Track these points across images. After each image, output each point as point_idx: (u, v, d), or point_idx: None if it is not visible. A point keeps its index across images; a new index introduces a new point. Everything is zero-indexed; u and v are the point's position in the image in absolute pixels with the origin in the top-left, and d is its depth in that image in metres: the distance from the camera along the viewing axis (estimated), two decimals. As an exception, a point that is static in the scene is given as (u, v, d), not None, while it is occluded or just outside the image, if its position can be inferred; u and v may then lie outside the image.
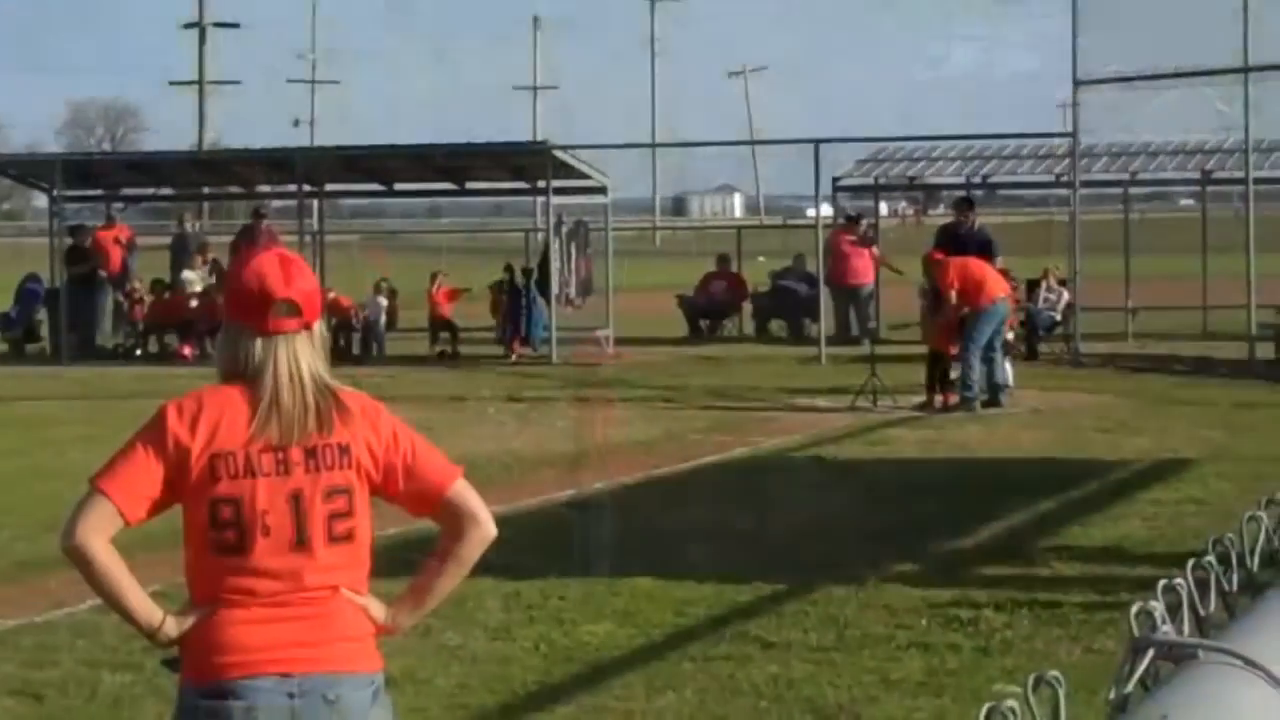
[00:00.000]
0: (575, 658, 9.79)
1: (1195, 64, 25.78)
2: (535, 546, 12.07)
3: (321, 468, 4.63)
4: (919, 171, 35.44)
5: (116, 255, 32.42)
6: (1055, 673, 2.46)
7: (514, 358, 29.56)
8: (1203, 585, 2.95)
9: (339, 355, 24.36)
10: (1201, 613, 2.86)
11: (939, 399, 21.51)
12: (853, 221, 33.59)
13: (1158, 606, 2.62)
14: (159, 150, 51.49)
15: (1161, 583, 2.78)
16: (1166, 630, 2.61)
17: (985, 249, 23.27)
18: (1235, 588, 3.10)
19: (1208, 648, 2.61)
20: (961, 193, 31.63)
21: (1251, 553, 3.29)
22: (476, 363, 29.37)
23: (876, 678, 9.25)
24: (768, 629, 10.24)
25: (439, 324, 30.99)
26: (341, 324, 30.27)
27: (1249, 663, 2.68)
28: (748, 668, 9.44)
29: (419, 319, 31.64)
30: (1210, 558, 3.01)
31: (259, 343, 4.68)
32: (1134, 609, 2.64)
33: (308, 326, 4.73)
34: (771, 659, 9.61)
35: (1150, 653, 2.49)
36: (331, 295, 30.13)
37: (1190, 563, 2.94)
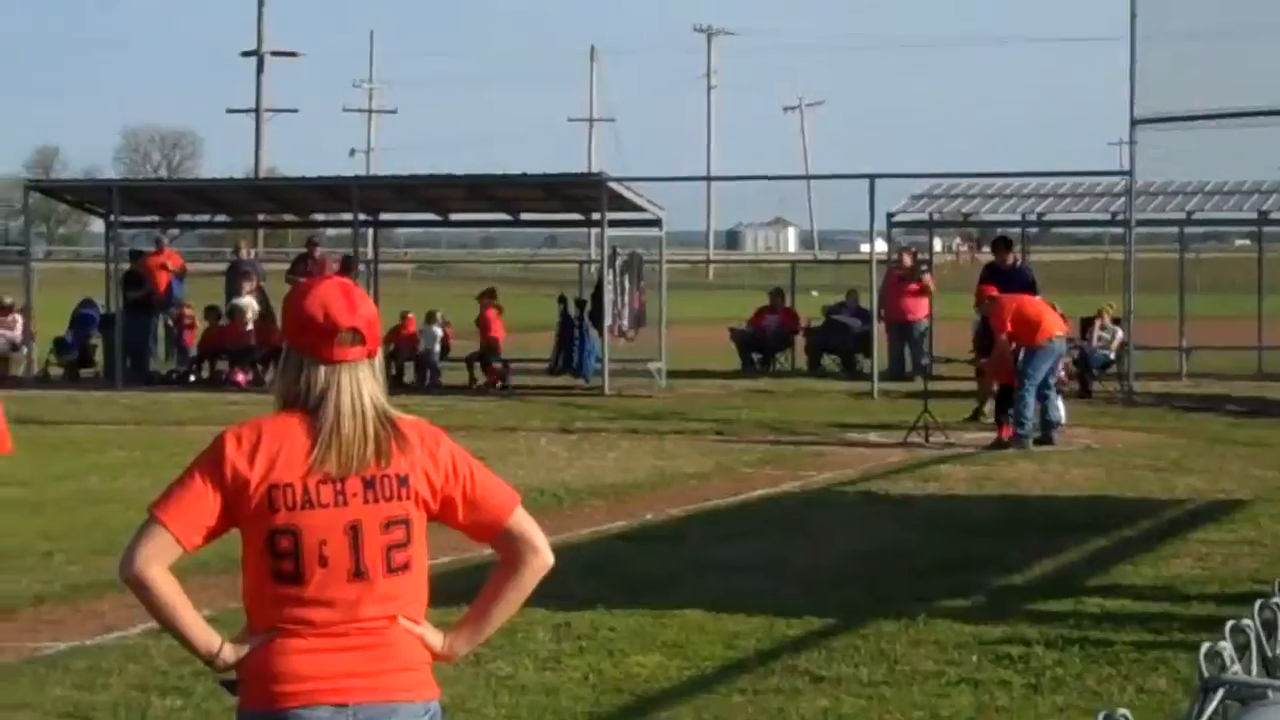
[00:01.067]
0: (624, 689, 9.77)
1: (1252, 104, 25.70)
2: (586, 577, 12.08)
3: (380, 498, 4.61)
4: (974, 208, 35.31)
5: (163, 280, 32.60)
6: (1124, 711, 2.44)
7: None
8: (1269, 626, 2.93)
9: (392, 384, 24.44)
10: (1269, 653, 2.83)
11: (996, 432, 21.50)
12: (900, 253, 33.33)
13: (1226, 647, 2.60)
14: (217, 177, 51.63)
15: (1230, 623, 2.75)
16: (1235, 670, 2.59)
17: (1029, 289, 23.17)
18: (1303, 629, 3.08)
19: (1278, 688, 2.58)
20: (1002, 231, 31.43)
21: (1318, 594, 3.26)
22: (528, 392, 29.40)
23: (926, 713, 9.21)
24: (818, 663, 10.20)
25: (488, 350, 31.03)
26: (398, 351, 30.38)
27: (1317, 705, 2.65)
28: (797, 701, 9.41)
29: (472, 348, 31.65)
30: (1278, 599, 2.98)
31: (322, 371, 4.64)
32: (1203, 649, 2.62)
33: (370, 355, 4.71)
34: (821, 693, 9.57)
35: (1220, 693, 2.46)
36: (406, 322, 30.58)
37: (1258, 604, 2.91)
